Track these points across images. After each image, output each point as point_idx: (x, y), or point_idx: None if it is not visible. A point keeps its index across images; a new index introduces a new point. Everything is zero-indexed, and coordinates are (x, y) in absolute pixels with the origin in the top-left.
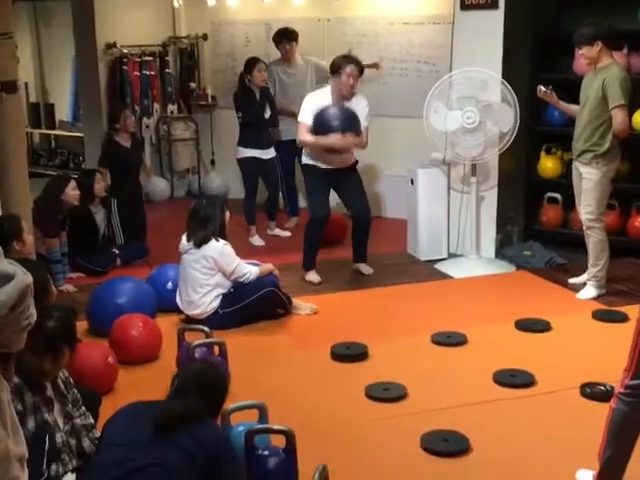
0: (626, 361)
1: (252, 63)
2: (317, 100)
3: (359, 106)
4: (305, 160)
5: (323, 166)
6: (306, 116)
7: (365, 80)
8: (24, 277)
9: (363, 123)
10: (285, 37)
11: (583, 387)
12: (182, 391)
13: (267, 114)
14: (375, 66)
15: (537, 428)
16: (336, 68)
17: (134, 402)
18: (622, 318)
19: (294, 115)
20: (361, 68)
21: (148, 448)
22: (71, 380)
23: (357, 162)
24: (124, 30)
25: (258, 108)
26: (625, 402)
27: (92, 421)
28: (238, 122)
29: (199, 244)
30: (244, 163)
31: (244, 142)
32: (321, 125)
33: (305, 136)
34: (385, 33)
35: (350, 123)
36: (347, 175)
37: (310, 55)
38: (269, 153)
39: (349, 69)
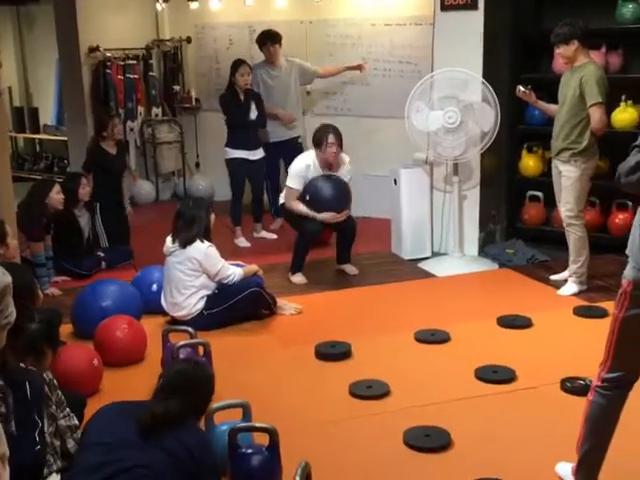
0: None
1: (236, 66)
2: (304, 167)
3: (344, 169)
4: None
5: None
6: (295, 182)
7: (348, 82)
8: (3, 277)
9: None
10: (269, 39)
11: (563, 382)
12: (166, 392)
13: (253, 115)
14: (359, 68)
15: (518, 423)
16: (318, 142)
17: (117, 401)
18: (602, 314)
19: (278, 117)
20: (340, 136)
21: (133, 449)
22: (55, 382)
23: None
24: (107, 33)
25: (243, 110)
26: (602, 395)
27: (76, 422)
28: (226, 124)
29: (184, 245)
30: (232, 164)
31: (232, 143)
32: (316, 199)
33: (297, 205)
34: (367, 34)
35: (344, 200)
36: None
37: (294, 57)
38: (257, 154)
39: (330, 140)
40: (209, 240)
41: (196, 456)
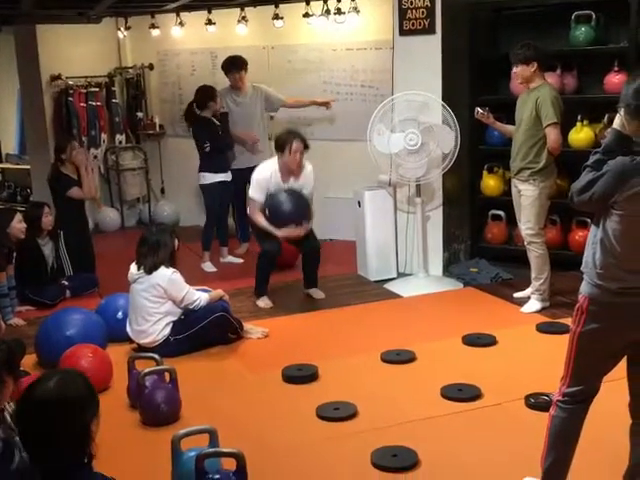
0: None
1: (214, 92)
2: (267, 176)
3: (307, 180)
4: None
5: None
6: (257, 194)
7: (312, 107)
8: None
9: (309, 195)
10: (235, 66)
11: (527, 398)
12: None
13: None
14: (326, 104)
15: (484, 440)
16: (281, 145)
17: None
18: (565, 330)
19: (244, 143)
20: (305, 143)
21: None
22: None
23: None
24: (69, 62)
25: (222, 135)
26: (563, 409)
27: None
28: (205, 150)
29: (150, 270)
30: (210, 189)
31: (211, 168)
32: (275, 215)
33: (259, 217)
34: (329, 59)
35: (303, 215)
36: None
37: (258, 83)
38: (229, 175)
39: (295, 146)
40: (174, 265)
41: None
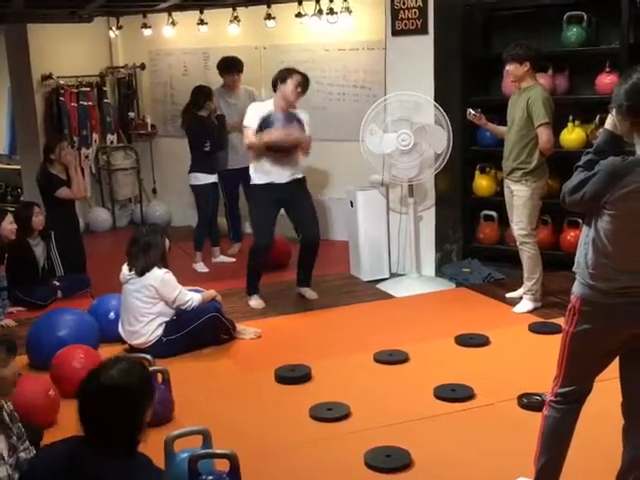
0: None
1: (210, 92)
2: (262, 107)
3: (302, 115)
4: (255, 180)
5: (275, 181)
6: (252, 120)
7: (304, 106)
8: None
9: (307, 130)
10: (232, 68)
11: (520, 398)
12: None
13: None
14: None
15: (477, 440)
16: (283, 76)
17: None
18: (557, 330)
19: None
20: (306, 79)
21: None
22: (16, 414)
23: (305, 179)
24: (60, 61)
25: (218, 135)
26: (556, 409)
27: None
28: (203, 151)
29: (141, 272)
30: (202, 189)
31: (204, 169)
32: (265, 127)
33: (254, 138)
34: (321, 59)
35: (292, 122)
36: (299, 195)
37: (249, 84)
38: (216, 177)
39: (297, 77)
40: (165, 266)
41: None
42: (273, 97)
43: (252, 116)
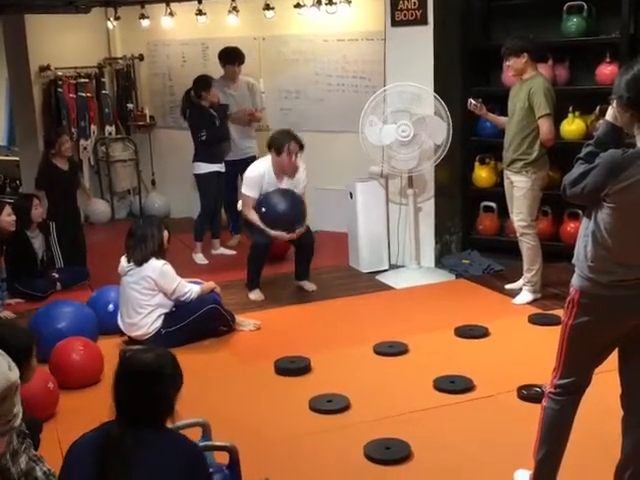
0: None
1: (208, 82)
2: (260, 173)
3: (300, 178)
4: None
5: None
6: (251, 191)
7: (302, 97)
8: (8, 374)
9: (301, 192)
10: (237, 59)
11: (520, 389)
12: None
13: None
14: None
15: (476, 432)
16: (277, 146)
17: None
18: (557, 321)
19: (241, 122)
20: (301, 144)
21: None
22: None
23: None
24: (58, 52)
25: (219, 125)
26: (555, 401)
27: (34, 452)
28: (201, 140)
29: (140, 263)
30: (206, 179)
31: (206, 158)
32: (268, 216)
33: (253, 215)
34: (320, 50)
35: (298, 219)
36: None
37: (247, 75)
38: (223, 166)
39: (291, 148)
40: (163, 257)
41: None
42: (272, 160)
43: (251, 186)
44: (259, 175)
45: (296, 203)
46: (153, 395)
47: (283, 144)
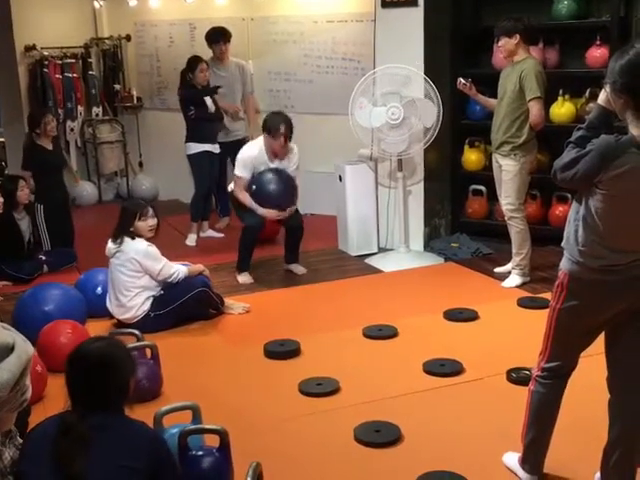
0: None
1: (196, 63)
2: (253, 154)
3: (292, 160)
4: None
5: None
6: (243, 172)
7: (291, 79)
8: (25, 347)
9: (293, 174)
10: (222, 37)
11: (509, 372)
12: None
13: (212, 109)
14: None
15: (466, 415)
16: (269, 128)
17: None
18: (545, 304)
19: (226, 112)
20: (291, 128)
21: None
22: None
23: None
24: (44, 32)
25: (206, 104)
26: (542, 384)
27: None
28: (190, 118)
29: (122, 241)
30: (197, 158)
31: (196, 137)
32: (260, 194)
33: (244, 195)
34: (309, 31)
35: (288, 198)
36: None
37: (236, 56)
38: (217, 148)
39: (281, 131)
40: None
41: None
42: (264, 141)
43: (243, 166)
44: (252, 156)
45: (287, 181)
46: (103, 382)
47: (273, 126)
